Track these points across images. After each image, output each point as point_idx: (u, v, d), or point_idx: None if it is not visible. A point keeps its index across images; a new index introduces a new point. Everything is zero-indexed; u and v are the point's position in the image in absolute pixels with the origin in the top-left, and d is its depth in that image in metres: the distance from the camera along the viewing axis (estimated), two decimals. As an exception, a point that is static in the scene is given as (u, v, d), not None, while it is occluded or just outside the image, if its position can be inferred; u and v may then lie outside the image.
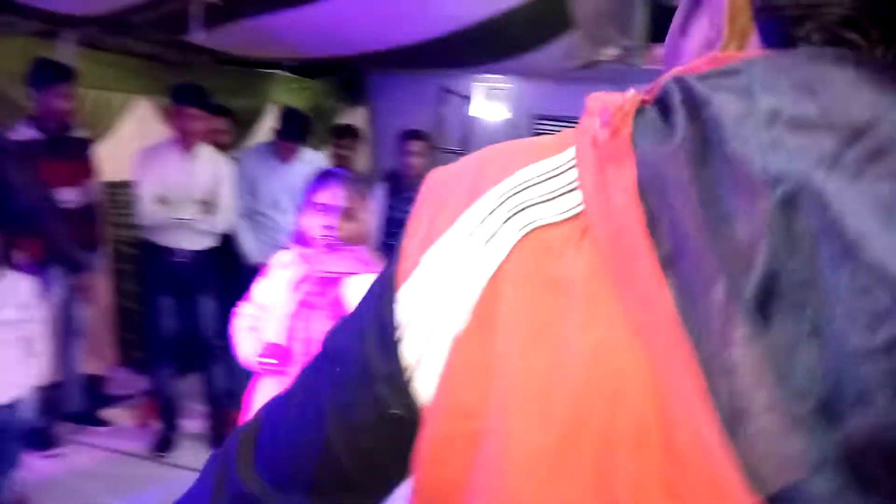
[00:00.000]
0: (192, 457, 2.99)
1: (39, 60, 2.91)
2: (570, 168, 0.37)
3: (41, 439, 2.88)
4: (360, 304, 0.45)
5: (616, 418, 0.31)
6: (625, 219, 0.33)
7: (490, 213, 0.37)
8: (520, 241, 0.36)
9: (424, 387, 0.39)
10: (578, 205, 0.36)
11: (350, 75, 5.23)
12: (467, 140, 4.95)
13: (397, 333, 0.39)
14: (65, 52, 3.24)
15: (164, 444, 3.17)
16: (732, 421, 0.29)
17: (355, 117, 5.27)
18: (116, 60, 3.69)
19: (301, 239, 1.88)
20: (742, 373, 0.29)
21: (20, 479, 2.33)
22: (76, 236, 2.58)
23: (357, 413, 0.42)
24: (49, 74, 2.85)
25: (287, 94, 4.82)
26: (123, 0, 2.88)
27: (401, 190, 3.57)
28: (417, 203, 0.42)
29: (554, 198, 0.36)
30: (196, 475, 0.52)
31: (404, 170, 3.73)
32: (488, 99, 5.08)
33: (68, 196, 2.93)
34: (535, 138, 0.42)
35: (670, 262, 0.32)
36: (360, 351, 0.42)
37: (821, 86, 0.32)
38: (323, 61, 4.66)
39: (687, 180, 0.32)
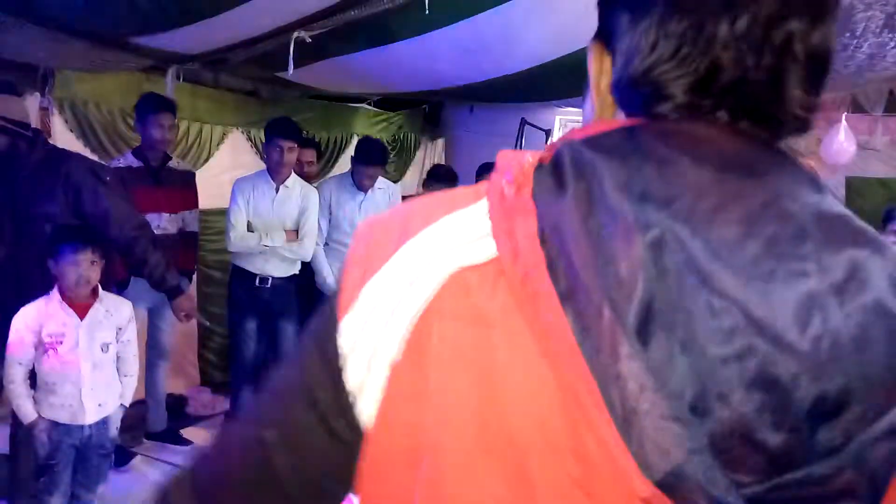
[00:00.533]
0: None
1: (145, 94, 3.10)
2: (486, 216, 0.43)
3: (119, 455, 2.99)
4: (299, 341, 0.49)
5: (532, 427, 0.38)
6: (529, 262, 0.39)
7: (419, 255, 0.43)
8: (446, 280, 0.42)
9: (367, 409, 0.44)
10: (495, 249, 0.41)
11: (431, 108, 5.31)
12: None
13: (340, 361, 0.44)
14: (168, 87, 3.44)
15: (240, 466, 3.23)
16: (625, 421, 0.35)
17: (435, 149, 5.34)
18: (213, 94, 3.89)
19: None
20: (629, 382, 0.36)
21: (102, 494, 2.42)
22: (172, 261, 2.70)
23: (302, 436, 0.46)
24: (153, 107, 3.03)
25: (370, 126, 4.94)
26: (223, 39, 3.04)
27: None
28: (352, 245, 0.47)
29: (474, 242, 0.42)
30: None
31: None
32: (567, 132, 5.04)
33: (165, 222, 3.09)
34: (454, 190, 0.47)
35: (568, 297, 0.38)
36: (305, 379, 0.46)
37: (678, 150, 0.40)
38: (405, 96, 4.75)
39: (577, 228, 0.39)
